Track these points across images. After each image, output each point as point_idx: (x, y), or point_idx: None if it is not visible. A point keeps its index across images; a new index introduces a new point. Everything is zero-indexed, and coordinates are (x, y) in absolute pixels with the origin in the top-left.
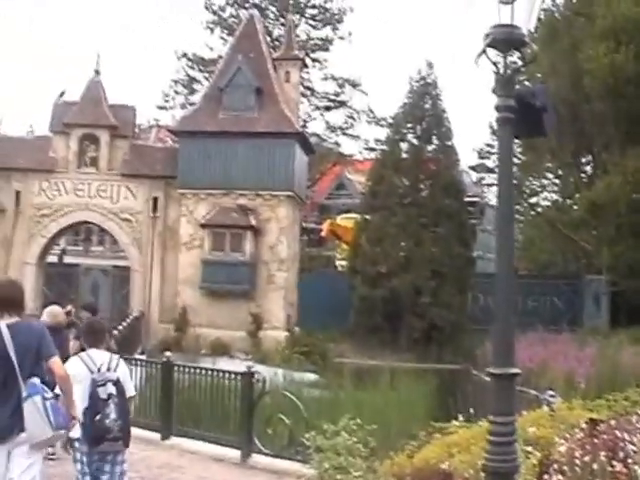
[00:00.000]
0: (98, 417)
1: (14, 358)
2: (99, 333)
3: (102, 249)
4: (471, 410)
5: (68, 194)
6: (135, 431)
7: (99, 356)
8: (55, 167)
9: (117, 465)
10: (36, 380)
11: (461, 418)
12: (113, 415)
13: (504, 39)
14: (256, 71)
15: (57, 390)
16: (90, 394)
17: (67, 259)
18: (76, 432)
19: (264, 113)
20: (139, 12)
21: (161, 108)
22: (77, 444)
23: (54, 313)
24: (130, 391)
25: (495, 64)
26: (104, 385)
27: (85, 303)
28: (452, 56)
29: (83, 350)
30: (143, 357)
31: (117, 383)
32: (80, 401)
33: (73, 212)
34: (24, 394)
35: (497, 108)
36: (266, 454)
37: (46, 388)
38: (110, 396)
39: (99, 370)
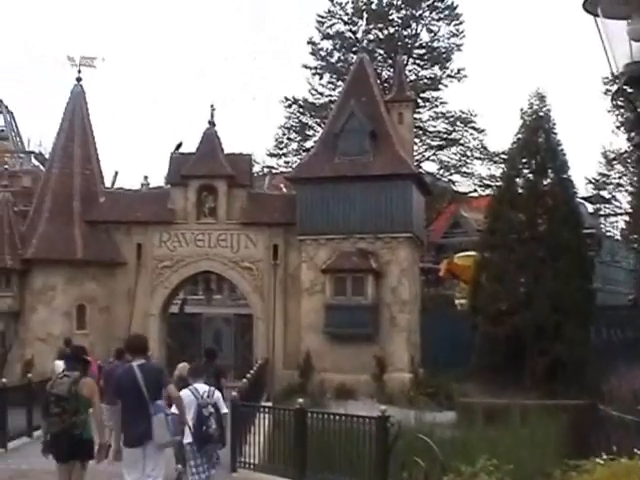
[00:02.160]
0: (204, 428)
1: (143, 388)
2: (201, 372)
3: (221, 297)
4: (614, 448)
5: (188, 245)
6: (269, 478)
7: (201, 387)
8: (174, 219)
9: (214, 458)
10: (160, 402)
11: (605, 456)
12: (214, 426)
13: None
14: (369, 114)
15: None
16: (197, 413)
17: (187, 309)
18: (188, 438)
19: (379, 156)
20: (247, 60)
21: (273, 155)
22: (189, 447)
23: (182, 367)
24: (223, 409)
25: (631, 102)
26: (206, 407)
27: (206, 349)
28: (562, 85)
29: None
30: (269, 404)
31: (215, 405)
32: (190, 417)
33: (194, 262)
34: (152, 412)
35: (636, 145)
36: None
37: (167, 407)
38: (210, 414)
39: (202, 397)
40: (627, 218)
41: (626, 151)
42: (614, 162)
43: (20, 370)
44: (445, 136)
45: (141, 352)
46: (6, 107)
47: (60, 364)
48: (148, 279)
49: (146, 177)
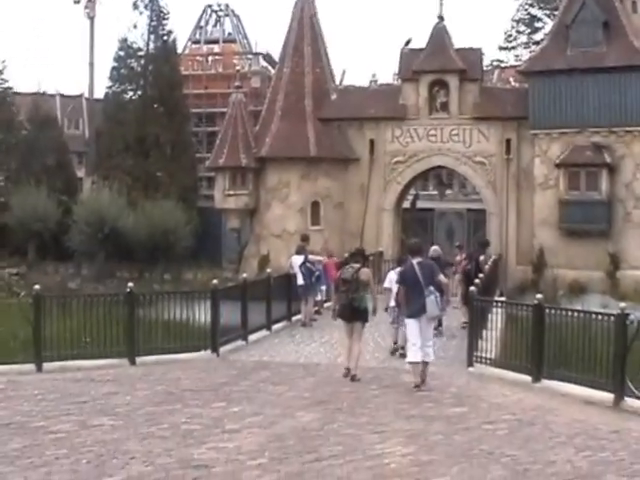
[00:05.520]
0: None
1: (420, 278)
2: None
3: (452, 192)
4: None
5: (421, 140)
6: (505, 373)
7: None
8: (406, 114)
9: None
10: (431, 288)
11: None
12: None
13: None
14: (602, 4)
15: None
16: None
17: (419, 204)
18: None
19: (613, 47)
20: None
21: (503, 49)
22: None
23: (433, 250)
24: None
25: None
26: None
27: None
28: None
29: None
30: (503, 299)
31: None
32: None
33: (427, 158)
34: (426, 294)
35: None
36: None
37: (435, 291)
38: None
39: None
40: None
41: None
42: None
43: (256, 266)
44: None
45: (418, 253)
46: (232, 11)
47: (298, 258)
48: (381, 175)
49: (374, 74)
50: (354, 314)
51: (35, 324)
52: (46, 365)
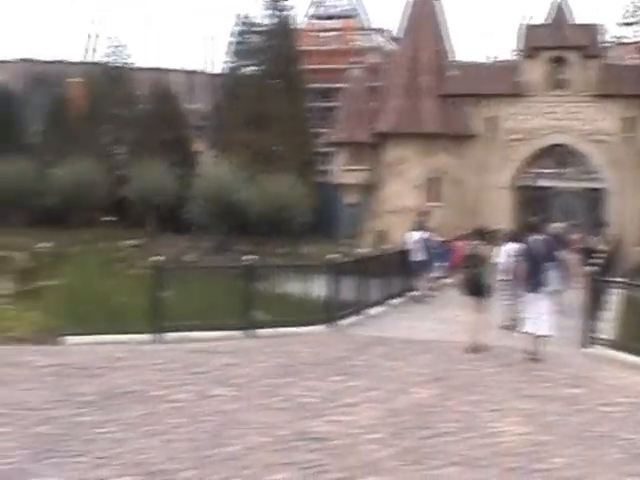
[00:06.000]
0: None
1: (540, 253)
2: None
3: (568, 171)
4: None
5: (538, 118)
6: (622, 356)
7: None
8: (524, 91)
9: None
10: (550, 263)
11: None
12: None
13: None
14: None
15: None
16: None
17: (538, 182)
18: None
19: None
20: None
21: (624, 24)
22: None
23: (553, 227)
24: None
25: None
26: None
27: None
28: None
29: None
30: (621, 280)
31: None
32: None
33: (545, 135)
34: (545, 269)
35: None
36: None
37: (555, 266)
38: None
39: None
40: None
41: None
42: None
43: (373, 241)
44: None
45: (536, 230)
46: None
47: (414, 235)
48: (498, 152)
49: (492, 50)
50: (477, 289)
51: (155, 295)
52: (165, 336)
